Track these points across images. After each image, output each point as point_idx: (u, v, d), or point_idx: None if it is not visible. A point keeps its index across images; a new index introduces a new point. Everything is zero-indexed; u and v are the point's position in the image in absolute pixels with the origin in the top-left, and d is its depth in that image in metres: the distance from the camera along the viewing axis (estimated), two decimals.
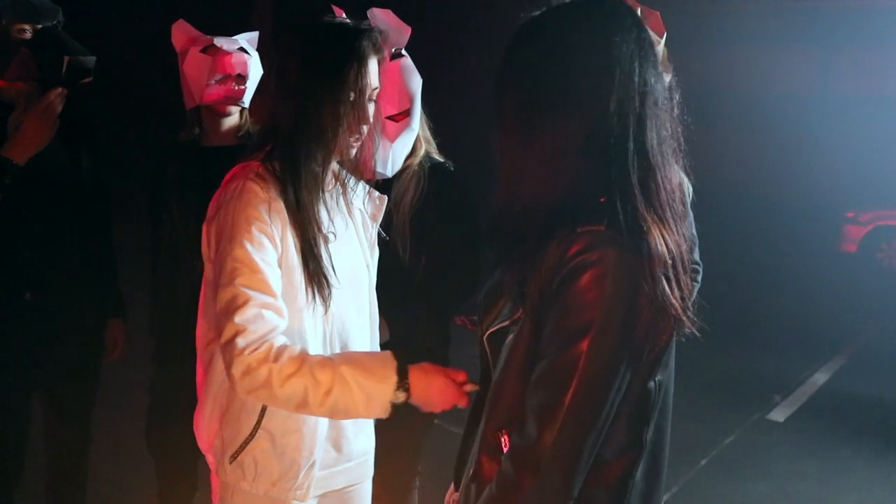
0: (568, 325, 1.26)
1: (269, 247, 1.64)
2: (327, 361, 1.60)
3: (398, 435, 2.37)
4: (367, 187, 1.96)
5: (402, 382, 1.60)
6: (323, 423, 1.79)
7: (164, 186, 2.54)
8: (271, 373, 1.55)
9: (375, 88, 1.75)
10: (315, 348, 1.74)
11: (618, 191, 1.29)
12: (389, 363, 1.62)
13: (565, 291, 1.26)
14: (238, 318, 1.57)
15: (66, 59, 2.28)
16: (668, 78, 2.44)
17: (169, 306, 2.56)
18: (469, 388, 1.65)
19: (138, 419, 2.77)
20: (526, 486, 1.29)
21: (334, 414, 1.61)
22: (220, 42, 2.50)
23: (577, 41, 1.30)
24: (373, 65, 1.72)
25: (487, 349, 1.47)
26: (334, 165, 1.82)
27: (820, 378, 5.67)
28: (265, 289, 1.61)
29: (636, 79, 1.29)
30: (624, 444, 1.36)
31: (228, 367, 1.57)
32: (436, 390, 1.64)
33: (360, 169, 1.88)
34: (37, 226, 2.42)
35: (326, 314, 1.75)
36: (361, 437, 1.93)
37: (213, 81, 2.45)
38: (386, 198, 1.98)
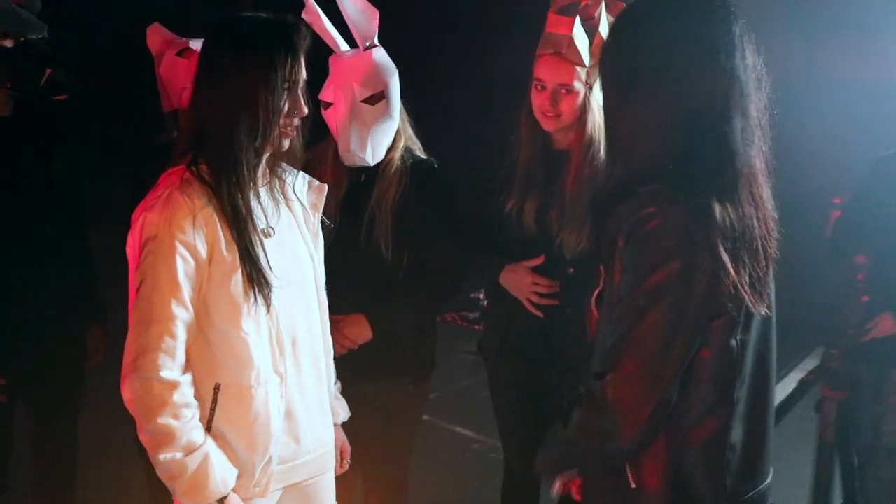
0: (634, 272, 1.37)
1: (189, 260, 1.67)
2: (203, 436, 1.70)
3: (388, 431, 2.36)
4: (307, 177, 1.96)
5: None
6: (277, 420, 1.79)
7: (144, 189, 2.51)
8: (163, 406, 1.64)
9: (304, 80, 1.77)
10: (262, 348, 1.76)
11: (693, 166, 1.38)
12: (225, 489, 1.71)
13: (630, 244, 1.37)
14: (154, 332, 1.64)
15: (48, 71, 2.27)
16: None
17: None
18: None
19: (127, 424, 2.74)
20: (608, 408, 1.38)
21: (162, 473, 1.70)
22: (196, 45, 2.49)
23: (666, 27, 1.42)
24: (301, 58, 1.75)
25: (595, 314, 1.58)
26: (269, 158, 1.82)
27: (809, 364, 5.68)
28: (182, 304, 1.66)
29: (722, 70, 1.38)
30: (711, 404, 1.42)
31: (131, 370, 1.64)
32: None
33: (299, 160, 1.89)
34: (11, 232, 2.41)
35: (269, 313, 1.75)
36: (319, 429, 1.93)
37: (189, 85, 2.43)
38: (326, 186, 1.98)
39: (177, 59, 2.48)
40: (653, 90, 1.41)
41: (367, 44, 2.31)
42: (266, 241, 1.77)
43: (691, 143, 1.39)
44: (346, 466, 2.13)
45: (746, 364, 1.44)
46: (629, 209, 1.38)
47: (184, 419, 1.66)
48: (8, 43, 2.31)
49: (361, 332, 2.32)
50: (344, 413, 2.09)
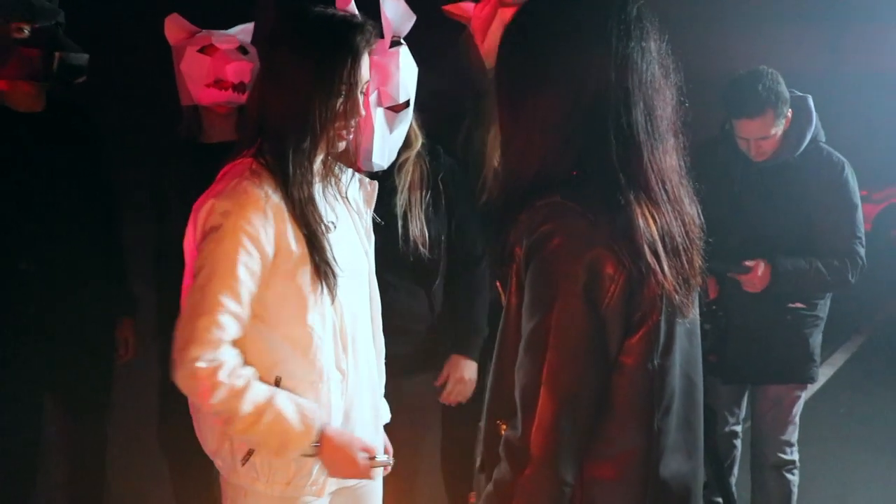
0: (534, 301, 1.26)
1: (253, 253, 1.64)
2: (268, 392, 1.67)
3: (407, 433, 2.33)
4: (358, 175, 1.94)
5: (317, 441, 1.69)
6: (337, 418, 1.77)
7: (165, 184, 2.51)
8: (214, 387, 1.62)
9: (367, 81, 1.73)
10: (326, 343, 1.73)
11: (595, 167, 1.27)
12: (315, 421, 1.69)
13: (531, 267, 1.26)
14: (202, 323, 1.61)
15: (58, 55, 2.24)
16: None
17: (173, 304, 2.52)
18: (378, 464, 1.78)
19: (153, 419, 2.75)
20: (519, 480, 1.26)
21: (246, 444, 1.71)
22: (218, 41, 2.44)
23: (556, 22, 1.31)
24: (365, 59, 1.70)
25: None
26: (325, 158, 1.79)
27: (839, 358, 5.62)
28: (235, 297, 1.63)
29: (613, 57, 1.27)
30: (633, 434, 1.31)
31: (177, 360, 1.63)
32: (340, 459, 1.72)
33: (353, 160, 1.87)
34: (44, 227, 2.41)
35: (333, 304, 1.73)
36: (371, 431, 1.90)
37: (212, 83, 2.40)
38: (377, 183, 1.95)
39: (199, 56, 2.41)
40: (546, 85, 1.30)
41: (393, 39, 2.23)
42: (328, 236, 1.74)
43: (592, 140, 1.27)
44: (389, 469, 2.11)
45: (668, 391, 1.32)
46: (528, 223, 1.27)
47: (237, 389, 1.63)
48: (24, 33, 2.26)
49: (468, 369, 2.44)
50: (386, 415, 2.07)
